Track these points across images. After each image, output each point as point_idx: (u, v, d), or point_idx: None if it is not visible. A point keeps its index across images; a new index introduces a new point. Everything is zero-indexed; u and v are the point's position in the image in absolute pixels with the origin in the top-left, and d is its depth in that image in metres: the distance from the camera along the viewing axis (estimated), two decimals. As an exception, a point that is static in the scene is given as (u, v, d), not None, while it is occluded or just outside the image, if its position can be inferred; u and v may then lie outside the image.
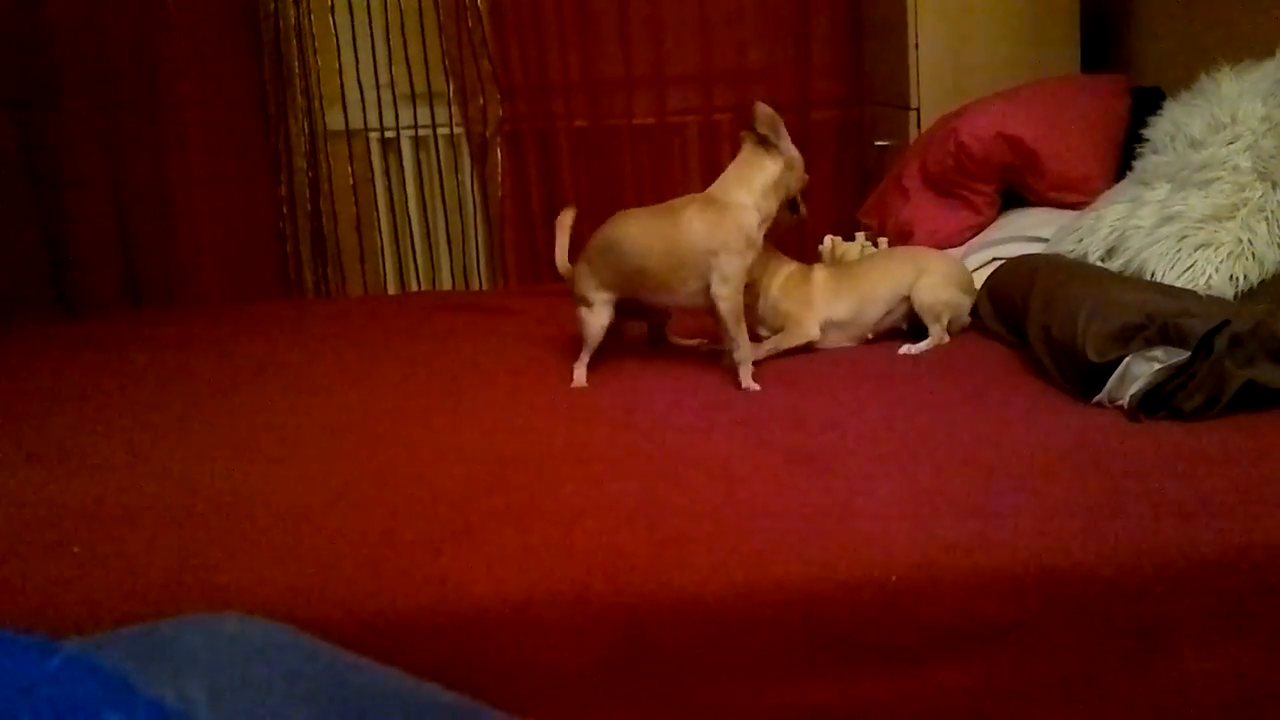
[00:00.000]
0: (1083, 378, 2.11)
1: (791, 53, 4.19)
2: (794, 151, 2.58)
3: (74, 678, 0.47)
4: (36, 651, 0.48)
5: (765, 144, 2.55)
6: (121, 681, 0.48)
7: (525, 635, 1.54)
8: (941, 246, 3.16)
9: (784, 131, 2.55)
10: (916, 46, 3.55)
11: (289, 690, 0.61)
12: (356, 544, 1.71)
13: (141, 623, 1.52)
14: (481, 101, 4.15)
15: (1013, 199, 3.23)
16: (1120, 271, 2.43)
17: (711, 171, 4.24)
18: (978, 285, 2.79)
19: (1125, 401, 2.00)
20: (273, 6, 4.05)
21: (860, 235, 3.53)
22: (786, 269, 2.73)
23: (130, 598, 1.60)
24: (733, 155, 4.01)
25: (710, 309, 2.49)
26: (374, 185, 4.30)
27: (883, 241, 3.46)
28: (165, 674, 0.56)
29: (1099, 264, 2.51)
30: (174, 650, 0.61)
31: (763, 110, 2.52)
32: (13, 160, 4.01)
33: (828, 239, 3.60)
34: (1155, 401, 1.97)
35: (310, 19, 4.11)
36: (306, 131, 4.17)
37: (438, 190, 4.33)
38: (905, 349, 2.61)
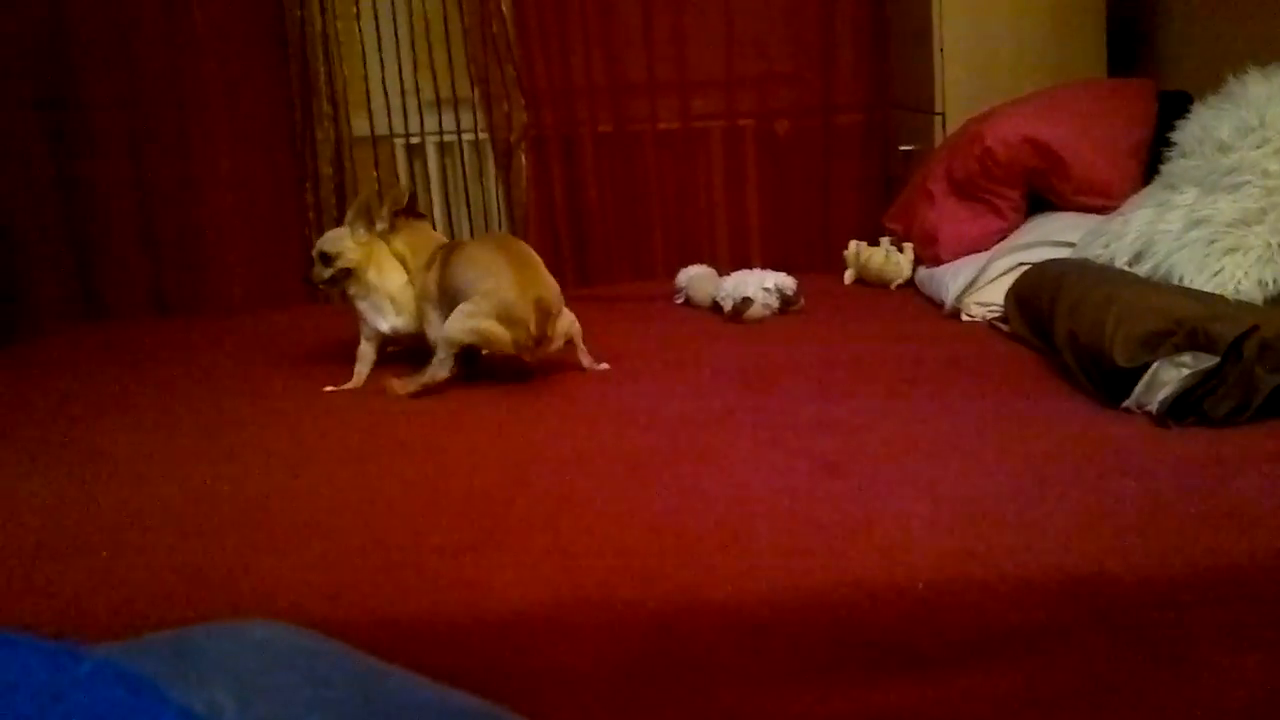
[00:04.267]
0: (1110, 383, 2.10)
1: (816, 57, 4.18)
2: None
3: (103, 684, 0.47)
4: (65, 657, 0.48)
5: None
6: (151, 688, 0.48)
7: (550, 640, 1.54)
8: (967, 251, 3.15)
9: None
10: (942, 50, 3.54)
11: (316, 696, 0.61)
12: (381, 548, 1.71)
13: (168, 627, 1.53)
14: (506, 107, 4.15)
15: (1039, 203, 3.22)
16: (1148, 276, 2.42)
17: (735, 176, 4.27)
18: (1003, 289, 2.77)
19: (1154, 407, 1.99)
20: (299, 13, 4.07)
21: (885, 240, 3.53)
22: None
23: (157, 602, 1.61)
24: (757, 160, 4.01)
25: None
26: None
27: (907, 247, 3.45)
28: (193, 681, 0.56)
29: (1126, 269, 2.50)
30: (202, 657, 0.61)
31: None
32: (42, 164, 4.04)
33: (852, 244, 3.60)
34: (1184, 407, 1.96)
35: (336, 26, 4.12)
36: (332, 138, 4.18)
37: (463, 196, 4.33)
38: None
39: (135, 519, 1.89)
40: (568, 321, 2.67)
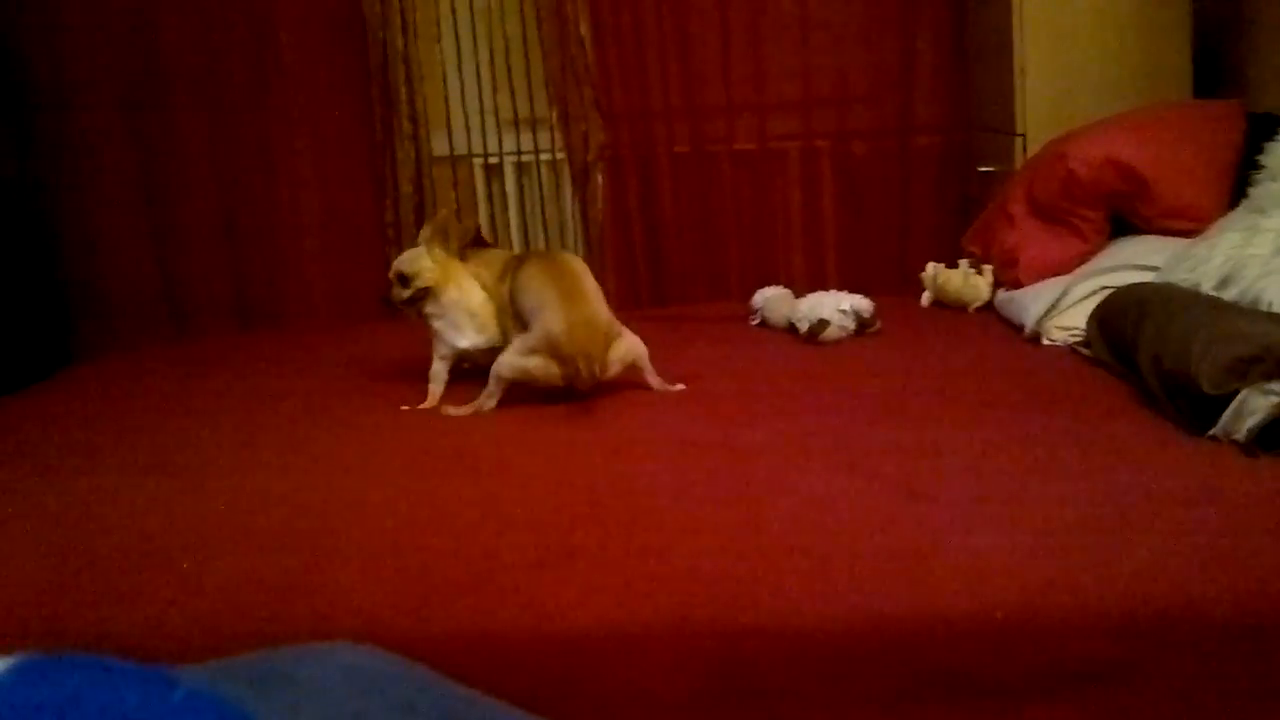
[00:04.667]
0: (1197, 411, 2.06)
1: (894, 77, 4.15)
2: None
3: (197, 713, 0.48)
4: (158, 684, 0.49)
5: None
6: (243, 717, 0.49)
7: (621, 663, 1.54)
8: (1048, 274, 3.11)
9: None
10: (1023, 71, 3.50)
11: None
12: (455, 566, 1.73)
13: (248, 639, 1.55)
14: (584, 127, 4.18)
15: (1122, 226, 3.17)
16: (1235, 302, 2.37)
17: (812, 196, 4.25)
18: (1085, 313, 2.73)
19: (1241, 436, 1.95)
20: (382, 35, 4.13)
21: (963, 262, 3.49)
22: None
23: (236, 616, 1.63)
24: (833, 181, 4.00)
25: None
26: (477, 210, 4.35)
27: (986, 269, 3.41)
28: (282, 706, 0.56)
29: (1213, 294, 2.45)
30: (291, 682, 0.61)
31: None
32: (128, 180, 4.12)
33: (930, 266, 3.57)
34: (1273, 436, 1.91)
35: (418, 46, 4.17)
36: (413, 157, 4.23)
37: (539, 216, 4.36)
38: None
39: (216, 532, 1.92)
40: (624, 347, 2.68)
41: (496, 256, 2.92)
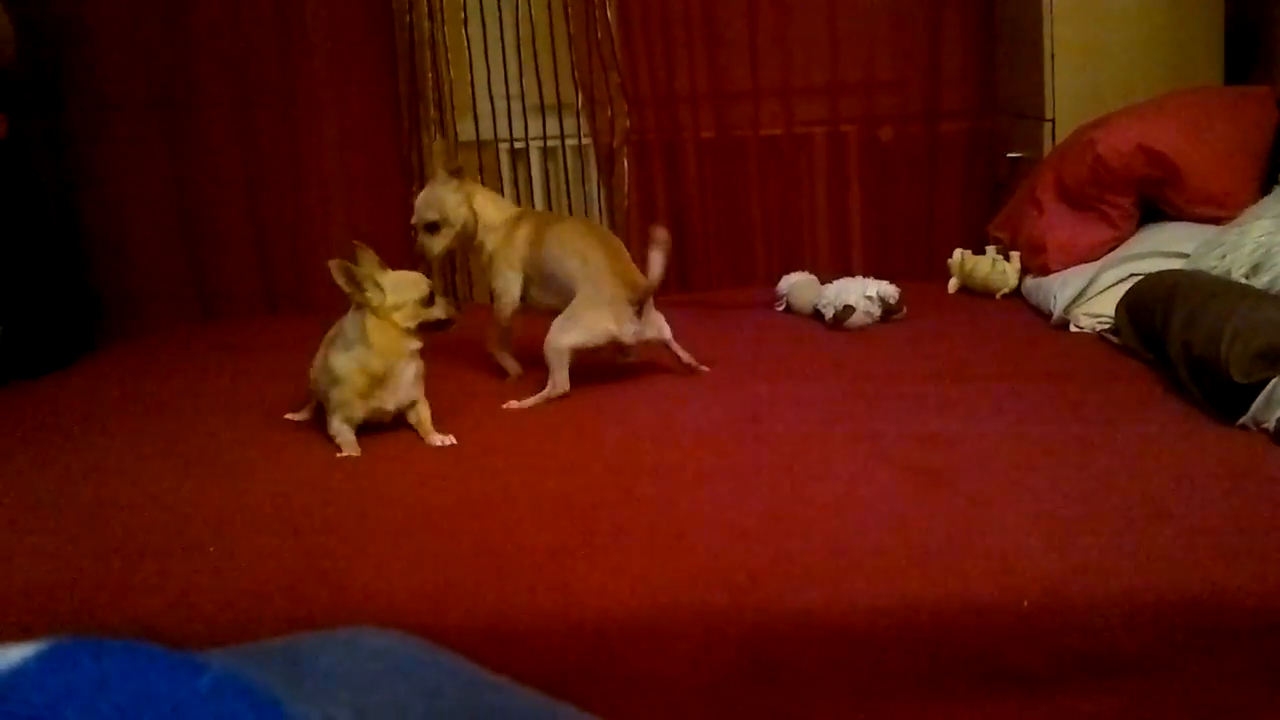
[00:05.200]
0: (1226, 399, 2.04)
1: (921, 63, 4.13)
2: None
3: (225, 698, 0.48)
4: (186, 669, 0.49)
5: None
6: (271, 703, 0.49)
7: (646, 648, 1.55)
8: (1076, 261, 3.09)
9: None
10: (1053, 56, 3.47)
11: (430, 709, 0.61)
12: (481, 552, 1.73)
13: (273, 624, 1.56)
14: (609, 113, 4.17)
15: (1151, 213, 3.14)
16: (1266, 289, 2.35)
17: (838, 182, 4.23)
18: (1114, 300, 2.71)
19: (1271, 425, 1.93)
20: (408, 19, 4.13)
21: (990, 249, 3.47)
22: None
23: (262, 601, 1.64)
24: (860, 167, 3.98)
25: None
26: (503, 195, 4.35)
27: (1014, 256, 3.39)
28: (308, 692, 0.57)
29: (1243, 281, 2.43)
30: (316, 667, 0.62)
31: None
32: (155, 164, 4.15)
33: (957, 252, 3.55)
34: (1303, 425, 1.90)
35: (444, 31, 4.18)
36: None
37: (565, 200, 4.36)
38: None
39: (242, 516, 1.93)
40: (660, 317, 2.67)
41: (499, 199, 2.86)
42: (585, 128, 4.25)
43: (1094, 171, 3.08)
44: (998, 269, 3.40)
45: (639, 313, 2.57)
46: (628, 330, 2.56)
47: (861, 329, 3.09)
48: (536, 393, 2.55)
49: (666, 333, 2.68)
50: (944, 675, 1.50)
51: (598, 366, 2.67)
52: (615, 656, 1.55)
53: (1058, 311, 2.95)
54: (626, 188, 4.24)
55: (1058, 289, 3.02)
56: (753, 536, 1.71)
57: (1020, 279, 3.36)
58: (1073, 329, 2.89)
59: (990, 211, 3.85)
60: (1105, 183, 3.08)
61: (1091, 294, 2.88)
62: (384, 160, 4.27)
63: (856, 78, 4.15)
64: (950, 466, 1.94)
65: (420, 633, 0.76)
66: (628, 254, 2.69)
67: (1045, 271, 3.19)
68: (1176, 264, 2.75)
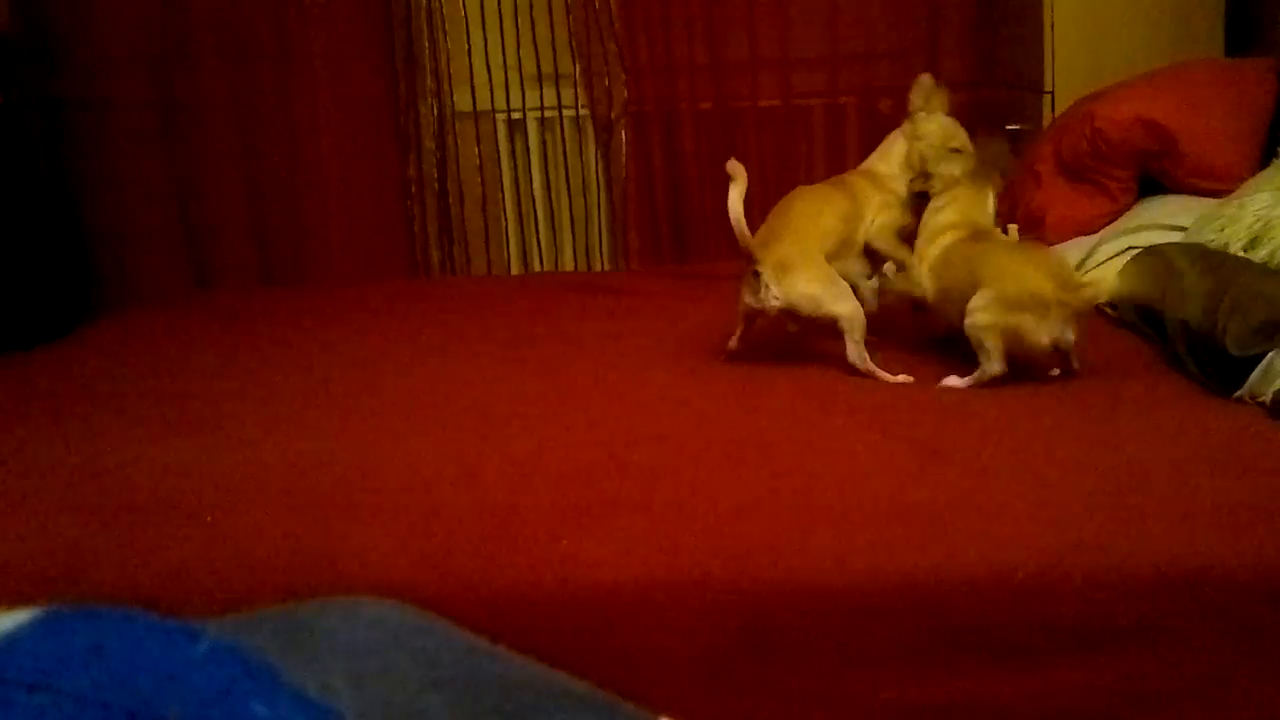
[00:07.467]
0: (1223, 372, 2.05)
1: (920, 34, 4.10)
2: (925, 125, 2.58)
3: (221, 665, 0.48)
4: (182, 636, 0.49)
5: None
6: (267, 671, 0.49)
7: (644, 620, 1.55)
8: (1075, 233, 3.08)
9: (925, 105, 2.59)
10: (1052, 28, 3.46)
11: (428, 677, 0.62)
12: (478, 523, 1.73)
13: (270, 594, 1.56)
14: (607, 83, 4.15)
15: (1150, 186, 3.13)
16: (1264, 263, 2.34)
17: (836, 154, 4.21)
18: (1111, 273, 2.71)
19: (1268, 398, 1.93)
20: (404, -12, 4.11)
21: (989, 221, 3.46)
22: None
23: (257, 570, 1.64)
24: (859, 137, 3.96)
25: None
26: (500, 166, 4.34)
27: (1012, 228, 3.38)
28: (305, 660, 0.57)
29: (1241, 254, 2.42)
30: (314, 636, 0.62)
31: (919, 82, 2.60)
32: (150, 135, 4.12)
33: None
34: (1299, 399, 1.90)
35: (441, 0, 4.16)
36: (435, 113, 4.22)
37: (562, 171, 4.34)
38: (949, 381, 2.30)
39: (239, 486, 1.92)
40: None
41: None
42: (583, 98, 4.23)
43: (1093, 144, 3.07)
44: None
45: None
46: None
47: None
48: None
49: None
50: (938, 645, 1.51)
51: (596, 336, 2.66)
52: (612, 626, 1.55)
53: (1055, 284, 2.95)
54: (624, 159, 4.23)
55: (1056, 262, 3.02)
56: (749, 507, 1.71)
57: (1018, 252, 3.35)
58: (1070, 302, 2.88)
59: (989, 184, 3.83)
60: (1104, 155, 3.07)
61: (1089, 266, 2.88)
62: (380, 129, 4.24)
63: (855, 49, 4.13)
64: (947, 439, 1.95)
65: (417, 602, 0.76)
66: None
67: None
68: (1175, 237, 2.75)
